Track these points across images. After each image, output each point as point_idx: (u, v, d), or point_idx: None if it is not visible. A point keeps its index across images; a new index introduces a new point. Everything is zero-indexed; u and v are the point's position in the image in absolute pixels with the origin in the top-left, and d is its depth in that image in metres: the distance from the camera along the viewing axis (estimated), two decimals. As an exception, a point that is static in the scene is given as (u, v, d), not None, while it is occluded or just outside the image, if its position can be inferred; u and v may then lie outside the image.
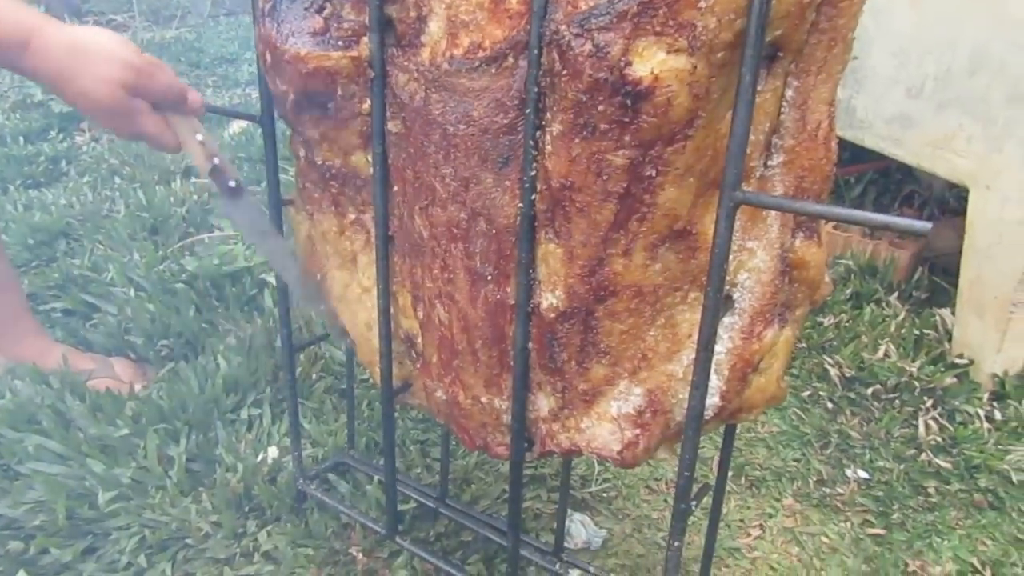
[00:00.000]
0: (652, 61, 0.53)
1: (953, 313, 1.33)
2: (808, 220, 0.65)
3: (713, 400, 0.67)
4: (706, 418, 0.68)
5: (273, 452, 1.20)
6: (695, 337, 0.64)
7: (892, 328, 1.37)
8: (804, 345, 1.37)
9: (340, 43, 0.71)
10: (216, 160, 0.87)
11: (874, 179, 1.97)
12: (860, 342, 1.33)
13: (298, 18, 0.72)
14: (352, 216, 0.84)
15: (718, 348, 0.65)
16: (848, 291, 1.50)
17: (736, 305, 0.65)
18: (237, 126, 2.78)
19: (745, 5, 0.51)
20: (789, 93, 0.59)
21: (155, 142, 0.85)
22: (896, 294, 1.49)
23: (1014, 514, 1.09)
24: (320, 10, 0.72)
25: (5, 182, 2.36)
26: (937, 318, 1.39)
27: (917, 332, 1.36)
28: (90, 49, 0.79)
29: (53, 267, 1.74)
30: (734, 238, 0.63)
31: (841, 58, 0.58)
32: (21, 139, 2.69)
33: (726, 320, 0.65)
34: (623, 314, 0.65)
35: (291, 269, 0.92)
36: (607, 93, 0.55)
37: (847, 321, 1.40)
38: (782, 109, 0.59)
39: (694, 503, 0.72)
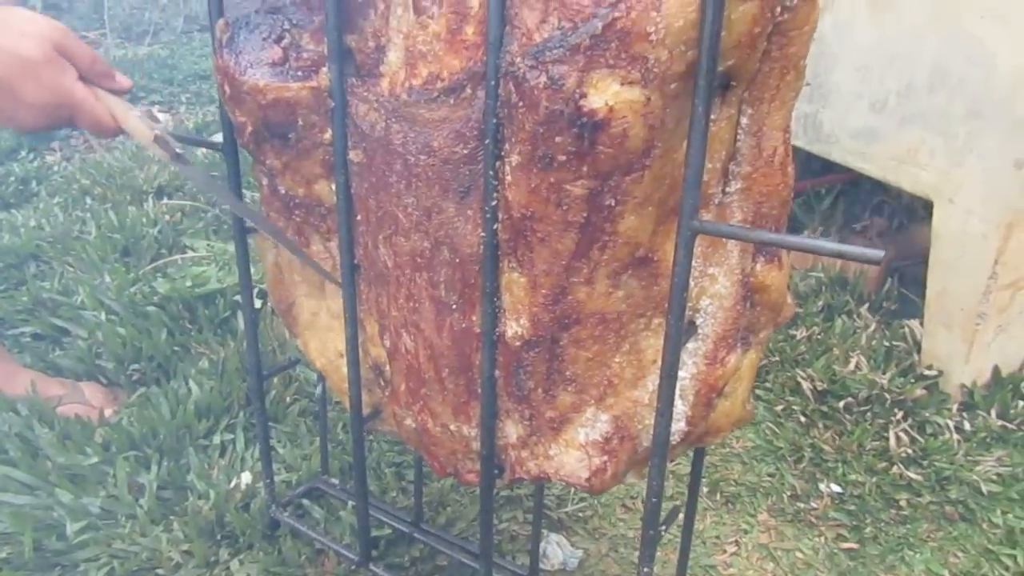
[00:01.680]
0: (606, 93, 0.53)
1: (922, 324, 1.35)
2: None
3: (679, 426, 0.67)
4: (673, 443, 0.69)
5: (247, 478, 1.19)
6: (659, 362, 0.64)
7: (863, 340, 1.38)
8: (777, 359, 1.38)
9: (299, 73, 0.71)
10: (157, 131, 0.84)
11: (845, 190, 1.99)
12: (832, 355, 1.34)
13: (256, 48, 0.71)
14: (318, 244, 0.83)
15: (682, 374, 0.65)
16: (819, 303, 1.51)
17: (699, 331, 0.65)
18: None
19: (696, 37, 0.51)
20: (744, 121, 0.59)
21: (88, 118, 0.82)
22: (867, 305, 1.50)
23: (984, 525, 1.11)
24: (279, 40, 0.72)
25: (-30, 207, 2.32)
26: (906, 330, 1.41)
27: (887, 344, 1.38)
28: (13, 13, 0.80)
29: (22, 290, 1.72)
30: (695, 265, 0.63)
31: (794, 85, 0.59)
32: (-10, 160, 2.66)
33: (690, 346, 0.65)
34: (588, 341, 0.66)
35: (257, 219, 0.89)
36: (563, 125, 0.55)
37: (819, 334, 1.42)
38: (738, 137, 0.60)
39: (663, 527, 0.72)
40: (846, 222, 1.85)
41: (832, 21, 1.37)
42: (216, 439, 1.25)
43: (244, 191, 0.91)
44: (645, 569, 0.68)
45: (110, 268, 1.78)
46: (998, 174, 1.16)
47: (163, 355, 1.45)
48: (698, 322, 0.65)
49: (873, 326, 1.43)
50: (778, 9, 0.54)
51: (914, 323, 1.40)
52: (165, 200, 2.22)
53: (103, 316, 1.56)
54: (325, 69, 0.71)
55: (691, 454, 0.80)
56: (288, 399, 1.34)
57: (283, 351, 1.45)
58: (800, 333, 1.42)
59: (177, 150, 0.83)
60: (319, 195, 0.78)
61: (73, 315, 1.59)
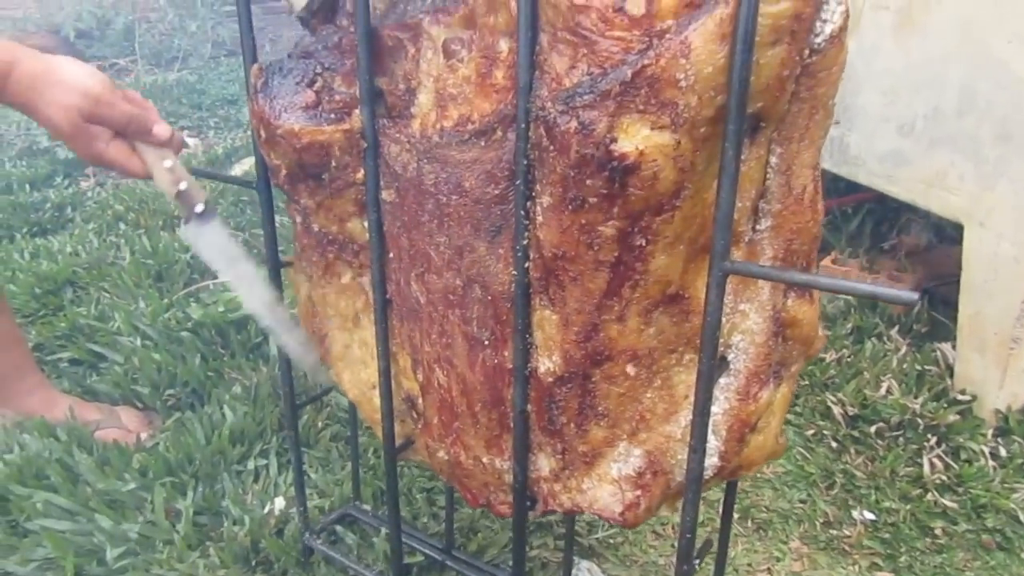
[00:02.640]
0: (637, 137, 0.54)
1: (954, 347, 1.33)
2: (799, 281, 0.65)
3: (712, 461, 0.67)
4: (705, 478, 0.69)
5: (280, 503, 1.21)
6: (692, 398, 0.65)
7: (894, 364, 1.37)
8: (807, 382, 1.37)
9: (332, 116, 0.73)
10: (183, 185, 0.87)
11: (872, 208, 1.98)
12: (862, 378, 1.33)
13: (290, 93, 0.73)
14: (351, 279, 0.85)
15: (715, 409, 0.66)
16: (848, 326, 1.50)
17: (731, 366, 0.65)
18: (239, 168, 2.81)
19: (725, 82, 0.52)
20: (773, 160, 0.60)
21: (119, 167, 0.88)
22: (896, 328, 1.49)
23: (1023, 555, 1.09)
24: (311, 84, 0.73)
25: (12, 230, 2.39)
26: (938, 353, 1.39)
27: (919, 367, 1.36)
28: (54, 78, 0.84)
29: (60, 316, 1.76)
30: (727, 302, 0.63)
31: (823, 124, 0.59)
32: (27, 186, 2.73)
33: (722, 381, 0.66)
34: (620, 377, 0.66)
35: (260, 295, 0.92)
36: (594, 168, 0.56)
37: (848, 356, 1.40)
38: (767, 175, 0.60)
39: (697, 561, 0.72)
40: (874, 242, 1.83)
41: (857, 44, 1.37)
42: (250, 464, 1.27)
43: (276, 216, 0.93)
44: (679, 604, 0.68)
45: (144, 294, 1.81)
46: (1030, 197, 1.15)
47: (197, 380, 1.48)
48: (730, 358, 0.65)
49: (904, 349, 1.42)
50: (806, 52, 0.55)
51: (946, 346, 1.39)
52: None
53: (138, 342, 1.59)
54: (357, 111, 0.72)
55: (724, 484, 0.80)
56: (320, 424, 1.36)
57: (338, 379, 1.47)
58: (829, 356, 1.41)
59: (197, 209, 0.87)
60: (352, 232, 0.80)
61: (109, 341, 1.62)
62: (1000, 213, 1.18)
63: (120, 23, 5.08)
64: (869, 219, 1.90)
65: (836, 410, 1.28)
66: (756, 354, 0.64)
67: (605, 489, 0.70)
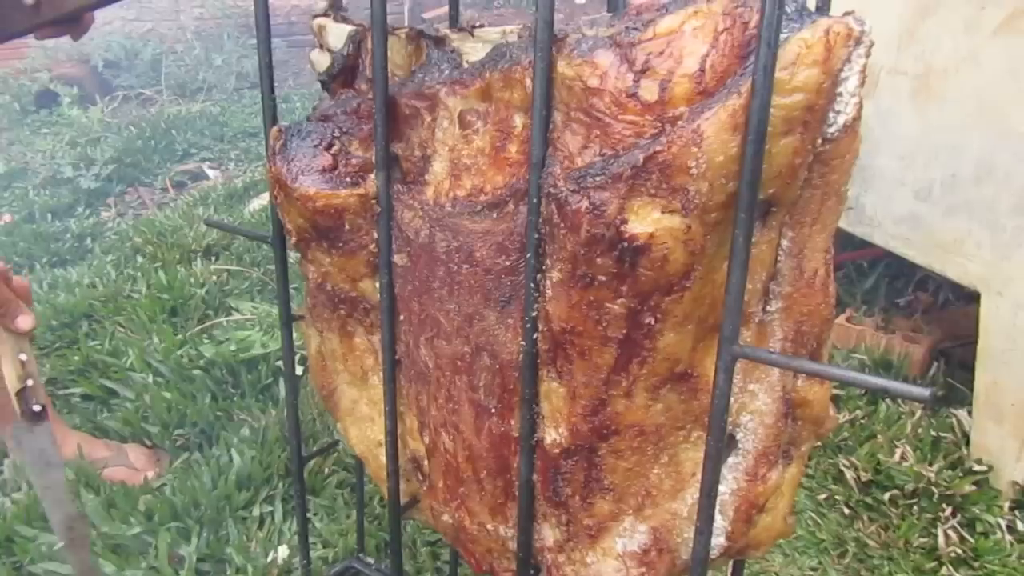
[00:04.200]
0: (647, 220, 0.54)
1: (970, 414, 1.31)
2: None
3: (719, 541, 0.66)
4: (712, 557, 0.68)
5: (284, 552, 1.20)
6: (699, 475, 0.64)
7: (908, 428, 1.35)
8: (819, 444, 1.35)
9: (348, 180, 0.74)
10: (29, 381, 0.88)
11: (889, 264, 1.97)
12: (876, 442, 1.31)
13: (307, 156, 0.74)
14: (361, 337, 0.85)
15: (723, 489, 0.65)
16: (863, 386, 1.48)
17: (740, 446, 0.65)
18: (258, 203, 2.85)
19: (736, 170, 0.52)
20: (785, 243, 0.60)
21: None
22: (912, 389, 1.46)
23: (1040, 634, 1.06)
24: (329, 147, 0.74)
25: (32, 259, 2.42)
26: (954, 420, 1.37)
27: (934, 433, 1.34)
28: None
29: (75, 349, 1.78)
30: (736, 381, 0.63)
31: (835, 209, 0.59)
32: (49, 215, 2.77)
33: (730, 461, 0.65)
34: (626, 452, 0.65)
35: (64, 509, 0.93)
36: (604, 247, 0.56)
37: (862, 418, 1.39)
38: (778, 258, 0.60)
39: (701, 642, 0.71)
40: (889, 297, 1.82)
41: (875, 107, 1.37)
42: (255, 511, 1.27)
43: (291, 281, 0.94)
44: None
45: (158, 329, 1.83)
46: (1048, 268, 1.14)
47: (206, 420, 1.48)
48: (738, 437, 0.64)
49: (919, 413, 1.40)
50: (819, 140, 0.55)
51: (962, 413, 1.36)
52: (214, 261, 2.29)
53: (150, 378, 1.60)
54: (373, 176, 0.73)
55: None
56: (327, 470, 1.36)
57: (323, 420, 1.47)
58: (843, 417, 1.39)
59: (34, 407, 0.87)
60: (363, 292, 0.80)
61: (122, 377, 1.63)
62: (1018, 283, 1.17)
63: (148, 54, 5.21)
64: (884, 275, 1.88)
65: (849, 475, 1.25)
66: (765, 435, 0.64)
67: (610, 564, 0.69)
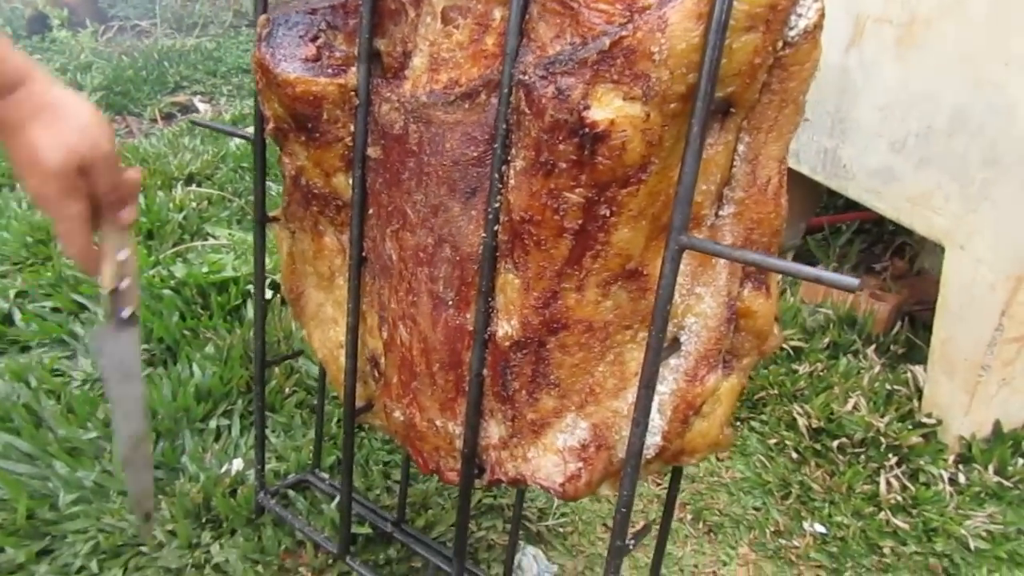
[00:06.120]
0: (609, 107, 0.55)
1: (926, 370, 1.34)
2: (757, 271, 0.66)
3: (654, 439, 0.68)
4: (647, 457, 0.70)
5: (238, 464, 1.21)
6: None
7: (865, 381, 1.38)
8: (776, 392, 1.38)
9: (330, 71, 0.74)
10: (125, 283, 0.80)
11: (867, 228, 1.99)
12: (832, 393, 1.34)
13: (292, 44, 0.75)
14: (331, 237, 0.86)
15: (662, 389, 0.66)
16: (826, 340, 1.51)
17: (683, 348, 0.66)
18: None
19: (697, 61, 0.53)
20: (741, 148, 0.61)
21: (74, 243, 0.76)
22: (874, 347, 1.50)
23: (968, 581, 1.10)
24: (314, 39, 0.75)
25: (12, 179, 2.38)
26: (909, 374, 1.40)
27: (889, 387, 1.37)
28: (64, 112, 0.73)
29: (47, 266, 1.76)
30: (683, 283, 0.65)
31: (792, 119, 0.60)
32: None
33: (672, 362, 0.66)
34: (573, 348, 0.67)
35: (134, 424, 0.86)
36: (566, 133, 0.57)
37: (822, 371, 1.41)
38: (734, 163, 0.61)
39: (632, 542, 0.73)
40: (865, 261, 1.85)
41: (859, 57, 1.38)
42: (213, 424, 1.28)
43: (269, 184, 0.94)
44: (612, 580, 0.69)
45: (133, 249, 1.82)
46: (1011, 224, 1.16)
47: (172, 338, 1.48)
48: (682, 339, 0.66)
49: (877, 368, 1.43)
50: (780, 44, 0.56)
51: (918, 368, 1.39)
52: (193, 187, 2.27)
53: (120, 294, 1.60)
54: (354, 69, 0.74)
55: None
56: (287, 390, 1.37)
57: (288, 343, 1.48)
58: (803, 368, 1.42)
59: (123, 313, 0.81)
60: (336, 188, 0.81)
61: (93, 292, 1.63)
62: (981, 237, 1.19)
63: (144, -15, 5.09)
64: (862, 239, 1.91)
65: (801, 421, 1.28)
66: (708, 338, 0.65)
67: (549, 459, 0.70)
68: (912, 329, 1.57)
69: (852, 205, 1.61)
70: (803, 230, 1.90)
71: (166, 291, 1.61)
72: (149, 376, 1.39)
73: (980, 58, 1.17)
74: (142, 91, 3.41)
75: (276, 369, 1.38)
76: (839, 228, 1.94)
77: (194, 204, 2.11)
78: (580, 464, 0.69)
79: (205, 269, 1.68)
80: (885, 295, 1.58)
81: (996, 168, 1.16)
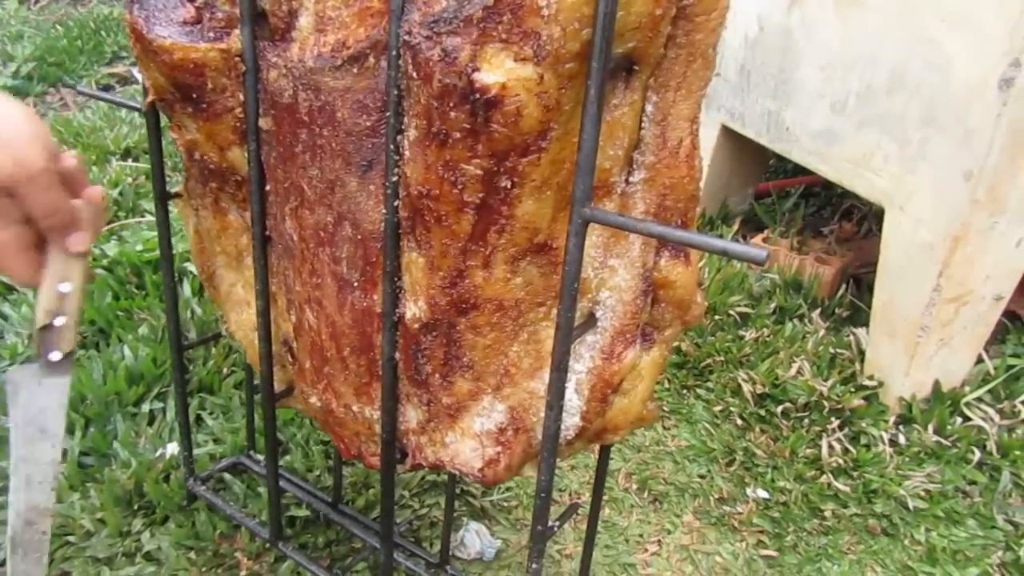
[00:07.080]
0: (500, 69, 0.51)
1: (868, 333, 1.34)
2: (674, 240, 0.63)
3: (573, 420, 0.65)
4: (568, 438, 0.67)
5: (172, 448, 1.17)
6: (558, 354, 0.62)
7: (809, 345, 1.37)
8: (722, 359, 1.36)
9: (212, 35, 0.69)
10: (60, 320, 0.67)
11: (815, 192, 1.98)
12: (777, 358, 1.33)
13: (169, 7, 0.69)
14: (234, 215, 0.81)
15: (579, 367, 0.64)
16: (772, 306, 1.50)
17: (599, 324, 0.63)
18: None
19: (590, 15, 0.49)
20: (648, 108, 0.57)
21: (5, 266, 0.65)
22: (819, 311, 1.49)
23: (906, 541, 1.09)
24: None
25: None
26: (852, 337, 1.39)
27: (833, 351, 1.36)
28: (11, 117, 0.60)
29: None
30: (595, 255, 0.61)
31: (701, 75, 0.57)
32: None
33: (589, 339, 0.63)
34: (485, 328, 0.64)
35: (38, 493, 0.70)
36: (457, 99, 0.53)
37: (768, 336, 1.40)
38: (642, 125, 0.58)
39: (557, 524, 0.71)
40: (813, 225, 1.83)
41: (800, 16, 1.34)
42: (146, 407, 1.23)
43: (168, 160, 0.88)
44: (534, 566, 0.67)
45: (62, 228, 1.74)
46: (948, 184, 1.14)
47: (105, 319, 1.43)
48: (598, 315, 0.63)
49: (822, 332, 1.42)
50: (683, -7, 0.52)
51: (861, 331, 1.39)
52: (130, 162, 2.19)
53: (48, 276, 1.53)
54: (237, 31, 0.68)
55: (623, 448, 0.78)
56: (226, 370, 1.32)
57: (225, 320, 1.43)
58: (749, 334, 1.41)
59: (51, 355, 0.67)
60: (233, 163, 0.76)
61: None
62: (919, 198, 1.17)
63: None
64: (808, 203, 1.90)
65: (746, 388, 1.27)
66: (624, 312, 0.62)
67: (467, 444, 0.68)
68: (857, 292, 1.56)
69: (801, 169, 1.59)
70: (751, 196, 1.88)
71: (99, 271, 1.55)
72: (79, 359, 1.34)
73: (917, 14, 1.14)
74: (77, 61, 3.27)
75: (213, 349, 1.34)
76: (788, 192, 1.92)
77: (130, 179, 2.04)
78: (499, 448, 0.66)
79: (140, 247, 1.62)
80: (830, 259, 1.57)
81: (933, 127, 1.14)
